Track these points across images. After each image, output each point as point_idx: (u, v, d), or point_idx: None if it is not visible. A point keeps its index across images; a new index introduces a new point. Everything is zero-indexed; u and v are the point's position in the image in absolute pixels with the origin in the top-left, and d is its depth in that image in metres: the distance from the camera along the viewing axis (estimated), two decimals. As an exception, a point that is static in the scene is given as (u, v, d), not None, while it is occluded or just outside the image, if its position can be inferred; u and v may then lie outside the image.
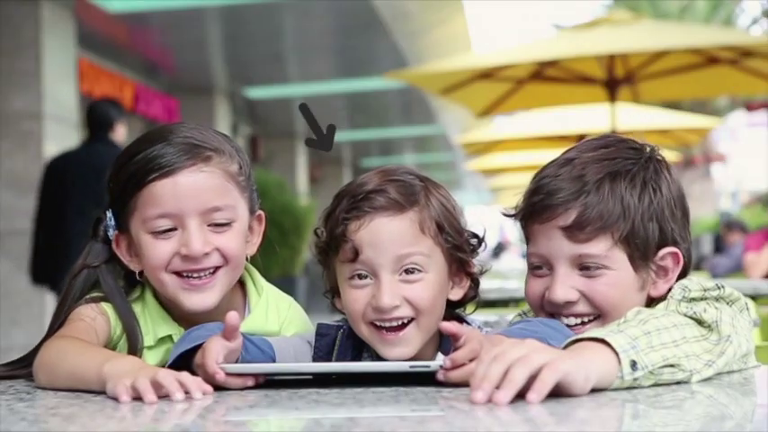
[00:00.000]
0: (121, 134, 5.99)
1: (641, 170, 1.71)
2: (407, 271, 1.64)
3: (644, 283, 1.71)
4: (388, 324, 1.65)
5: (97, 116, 5.99)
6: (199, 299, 1.75)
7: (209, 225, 1.74)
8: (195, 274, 1.74)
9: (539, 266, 1.73)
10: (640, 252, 1.69)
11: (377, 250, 1.64)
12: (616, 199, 1.67)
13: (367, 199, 1.66)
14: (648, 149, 1.75)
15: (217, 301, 1.76)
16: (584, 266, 1.69)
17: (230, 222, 1.76)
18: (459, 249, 1.69)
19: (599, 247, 1.67)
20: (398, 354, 1.65)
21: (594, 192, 1.67)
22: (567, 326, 1.71)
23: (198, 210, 1.73)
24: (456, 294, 1.71)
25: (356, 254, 1.65)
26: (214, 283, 1.75)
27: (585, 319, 1.71)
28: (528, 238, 1.75)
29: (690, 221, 1.77)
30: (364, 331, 1.67)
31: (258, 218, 1.86)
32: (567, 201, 1.68)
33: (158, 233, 1.73)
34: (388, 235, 1.64)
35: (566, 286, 1.69)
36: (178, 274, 1.74)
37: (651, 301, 1.73)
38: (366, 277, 1.66)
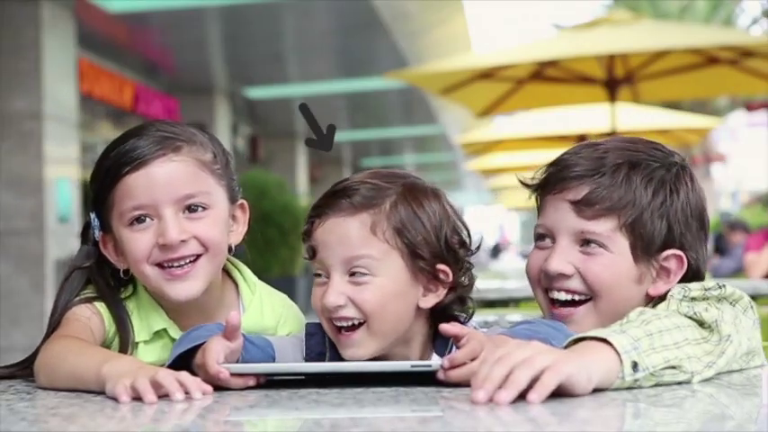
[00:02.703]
0: None
1: (662, 169, 1.72)
2: (355, 273, 1.64)
3: (641, 276, 1.71)
4: (339, 324, 1.65)
5: None
6: (182, 288, 1.75)
7: (184, 213, 1.75)
8: (176, 264, 1.74)
9: (542, 237, 1.75)
10: (643, 244, 1.70)
11: (327, 250, 1.66)
12: (629, 187, 1.69)
13: (331, 198, 1.68)
14: (676, 156, 1.77)
15: (201, 289, 1.76)
16: (585, 243, 1.70)
17: (206, 209, 1.76)
18: (420, 258, 1.65)
19: (603, 227, 1.69)
20: (351, 355, 1.65)
21: (610, 174, 1.70)
22: (558, 301, 1.73)
23: (171, 198, 1.73)
24: (427, 302, 1.68)
25: (314, 253, 1.68)
26: (196, 271, 1.75)
27: (577, 297, 1.72)
28: (539, 210, 1.78)
29: (707, 238, 1.78)
30: (326, 329, 1.68)
31: (241, 207, 1.86)
32: (582, 176, 1.71)
33: (135, 226, 1.74)
34: (337, 235, 1.65)
35: (563, 259, 1.71)
36: (159, 265, 1.75)
37: (650, 301, 1.73)
38: (322, 275, 1.67)
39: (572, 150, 1.78)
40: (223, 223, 1.79)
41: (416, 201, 1.67)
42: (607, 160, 1.71)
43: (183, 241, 1.73)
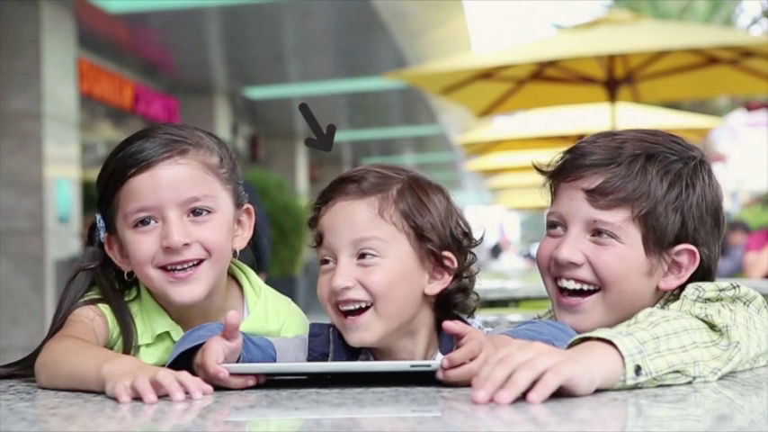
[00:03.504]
0: None
1: (679, 163, 1.71)
2: (363, 255, 1.65)
3: (652, 269, 1.70)
4: (345, 307, 1.66)
5: None
6: (185, 291, 1.75)
7: (189, 217, 1.75)
8: (179, 267, 1.74)
9: (554, 225, 1.74)
10: (656, 236, 1.69)
11: (334, 234, 1.67)
12: (645, 178, 1.68)
13: (338, 185, 1.70)
14: (695, 150, 1.75)
15: (204, 292, 1.76)
16: (597, 233, 1.69)
17: (211, 213, 1.76)
18: (427, 240, 1.67)
19: (616, 217, 1.68)
20: (357, 339, 1.66)
21: (626, 164, 1.69)
22: (566, 289, 1.72)
23: (176, 201, 1.73)
24: (433, 288, 1.70)
25: (321, 239, 1.69)
26: (199, 274, 1.75)
27: (585, 287, 1.71)
28: (552, 198, 1.77)
29: (721, 236, 1.76)
30: (332, 315, 1.69)
31: (247, 211, 1.86)
32: (597, 165, 1.70)
33: (140, 228, 1.74)
34: (344, 218, 1.67)
35: (573, 247, 1.70)
36: (163, 268, 1.75)
37: (661, 296, 1.72)
38: (329, 261, 1.68)
39: (589, 139, 1.77)
40: (227, 228, 1.79)
41: (422, 190, 1.70)
42: (624, 150, 1.70)
43: (186, 245, 1.73)
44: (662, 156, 1.70)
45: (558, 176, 1.76)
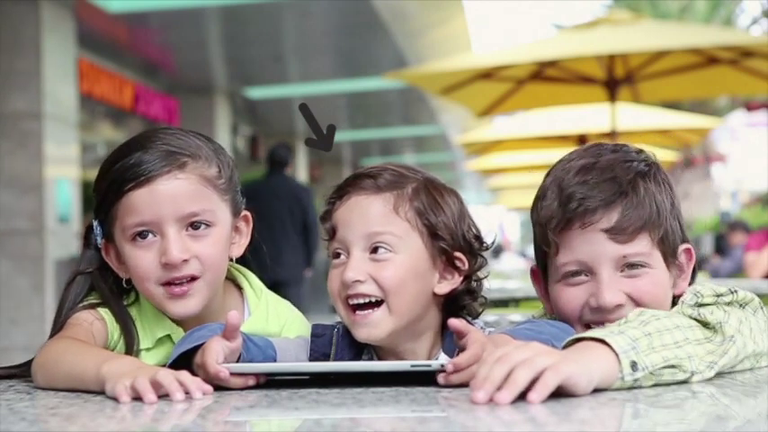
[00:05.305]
0: (290, 171, 8.42)
1: (656, 170, 1.72)
2: (376, 249, 1.66)
3: (674, 281, 1.72)
4: (355, 301, 1.66)
5: (278, 157, 8.26)
6: (181, 305, 1.75)
7: (187, 231, 1.74)
8: (176, 281, 1.74)
9: (576, 273, 1.69)
10: (670, 250, 1.70)
11: (348, 227, 1.68)
12: (650, 198, 1.68)
13: (354, 180, 1.72)
14: (646, 153, 1.76)
15: (199, 306, 1.76)
16: (628, 267, 1.67)
17: (209, 227, 1.76)
18: (440, 239, 1.69)
19: (641, 246, 1.67)
20: (366, 335, 1.67)
21: (632, 192, 1.67)
22: None
23: (174, 217, 1.73)
24: (442, 288, 1.71)
25: (334, 232, 1.70)
26: (193, 290, 1.75)
27: None
28: (557, 247, 1.69)
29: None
30: (341, 310, 1.69)
31: (244, 218, 1.86)
32: (608, 203, 1.66)
33: (138, 242, 1.74)
34: (359, 213, 1.68)
35: (614, 289, 1.66)
36: (162, 284, 1.75)
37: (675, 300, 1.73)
38: (341, 255, 1.69)
39: (573, 182, 1.68)
40: (225, 241, 1.79)
41: (437, 190, 1.72)
42: (619, 179, 1.67)
43: (184, 260, 1.73)
44: (645, 170, 1.70)
45: (566, 226, 1.68)
